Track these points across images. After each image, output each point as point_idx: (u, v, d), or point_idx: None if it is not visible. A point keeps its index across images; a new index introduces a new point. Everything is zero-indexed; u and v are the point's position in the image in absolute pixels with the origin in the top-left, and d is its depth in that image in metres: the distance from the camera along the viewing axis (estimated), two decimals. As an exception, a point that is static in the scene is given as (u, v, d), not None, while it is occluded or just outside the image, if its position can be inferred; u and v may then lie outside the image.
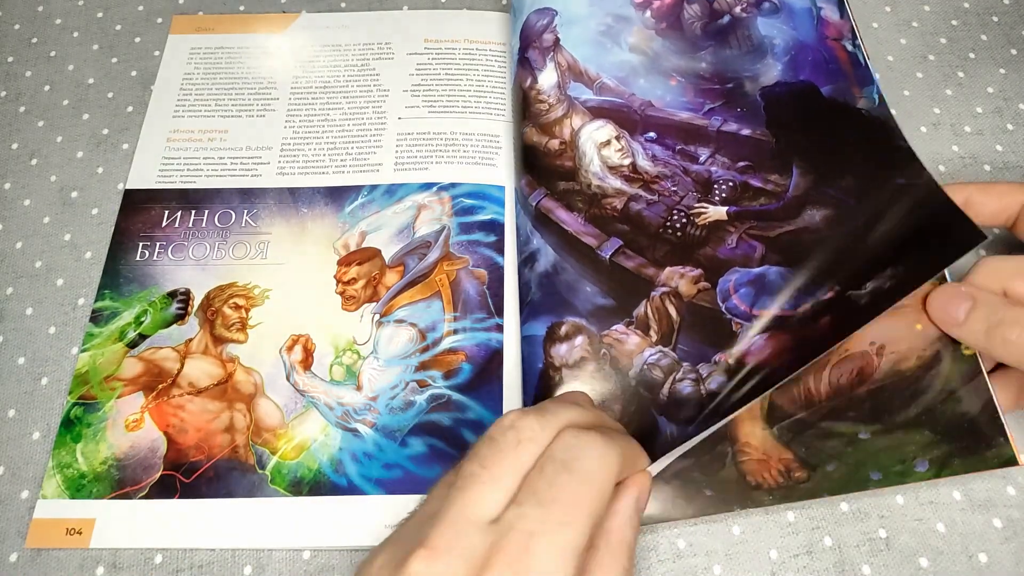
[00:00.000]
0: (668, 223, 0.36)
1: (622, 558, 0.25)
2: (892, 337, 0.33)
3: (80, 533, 0.32)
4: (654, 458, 0.29)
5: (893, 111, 0.39)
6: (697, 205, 0.36)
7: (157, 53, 0.45)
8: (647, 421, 0.32)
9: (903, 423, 0.32)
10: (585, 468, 0.25)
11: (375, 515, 0.33)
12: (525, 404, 0.34)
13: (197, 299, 0.37)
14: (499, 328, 0.36)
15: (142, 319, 0.37)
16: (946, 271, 0.34)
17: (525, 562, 0.22)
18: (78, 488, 0.33)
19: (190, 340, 0.36)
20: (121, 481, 0.33)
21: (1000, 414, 0.32)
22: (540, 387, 0.33)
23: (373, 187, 0.40)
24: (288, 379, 0.36)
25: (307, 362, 0.36)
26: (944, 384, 0.32)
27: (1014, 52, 0.44)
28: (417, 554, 0.23)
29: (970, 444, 0.31)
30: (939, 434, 0.32)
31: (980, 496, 0.33)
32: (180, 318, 0.37)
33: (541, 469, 0.25)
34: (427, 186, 0.40)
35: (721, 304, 0.34)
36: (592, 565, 0.24)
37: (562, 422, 0.26)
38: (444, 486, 0.26)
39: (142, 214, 0.40)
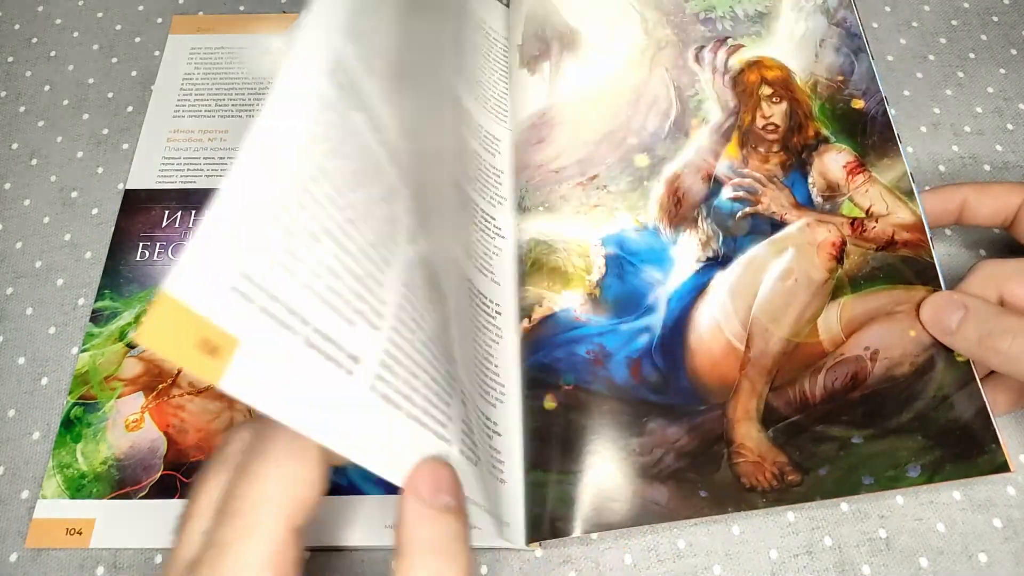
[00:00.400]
0: None
1: None
2: (886, 343, 0.33)
3: (80, 533, 0.32)
4: None
5: (893, 111, 0.39)
6: None
7: (157, 53, 0.45)
8: None
9: (896, 428, 0.32)
10: (262, 467, 0.21)
11: (375, 515, 0.33)
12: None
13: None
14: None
15: (142, 319, 0.37)
16: (940, 277, 0.34)
17: None
18: (78, 488, 0.33)
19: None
20: (121, 481, 0.33)
21: (992, 421, 0.32)
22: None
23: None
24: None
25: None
26: (937, 390, 0.32)
27: (1014, 52, 0.44)
28: None
29: (962, 450, 0.31)
30: (932, 440, 0.32)
31: (980, 496, 0.33)
32: (180, 318, 0.37)
33: (232, 482, 0.21)
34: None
35: None
36: None
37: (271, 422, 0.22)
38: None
39: (142, 214, 0.40)
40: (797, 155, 0.38)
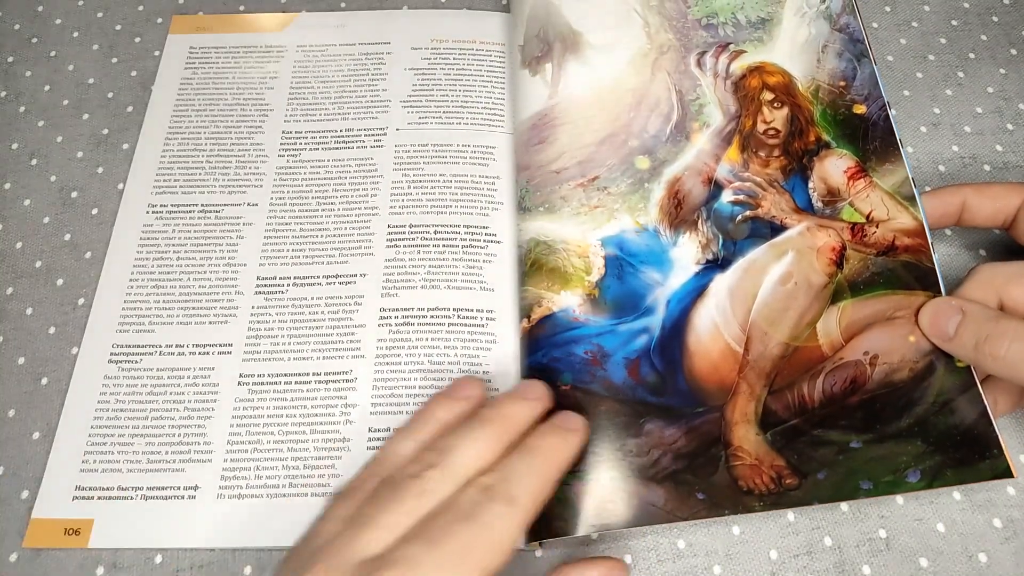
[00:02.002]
0: None
1: None
2: (885, 348, 0.33)
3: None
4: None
5: (893, 111, 0.39)
6: None
7: (157, 53, 0.45)
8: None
9: (895, 433, 0.32)
10: (486, 521, 0.24)
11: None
12: None
13: (197, 299, 0.38)
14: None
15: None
16: (941, 282, 0.34)
17: None
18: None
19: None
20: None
21: (994, 426, 0.31)
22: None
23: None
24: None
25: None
26: (937, 395, 0.32)
27: (1014, 52, 0.44)
28: None
29: (963, 455, 0.31)
30: (932, 444, 0.32)
31: (980, 496, 0.33)
32: (180, 318, 0.37)
33: (441, 515, 0.24)
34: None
35: None
36: None
37: (468, 468, 0.26)
38: (332, 521, 0.25)
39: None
40: (798, 160, 0.38)
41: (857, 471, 0.31)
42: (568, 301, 0.35)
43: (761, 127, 0.39)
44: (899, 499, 0.33)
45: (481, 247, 0.38)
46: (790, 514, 0.33)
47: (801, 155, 0.38)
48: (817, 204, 0.37)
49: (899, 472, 0.31)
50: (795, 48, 0.41)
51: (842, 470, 0.31)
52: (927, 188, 0.36)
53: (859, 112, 0.39)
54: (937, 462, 0.31)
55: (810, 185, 0.37)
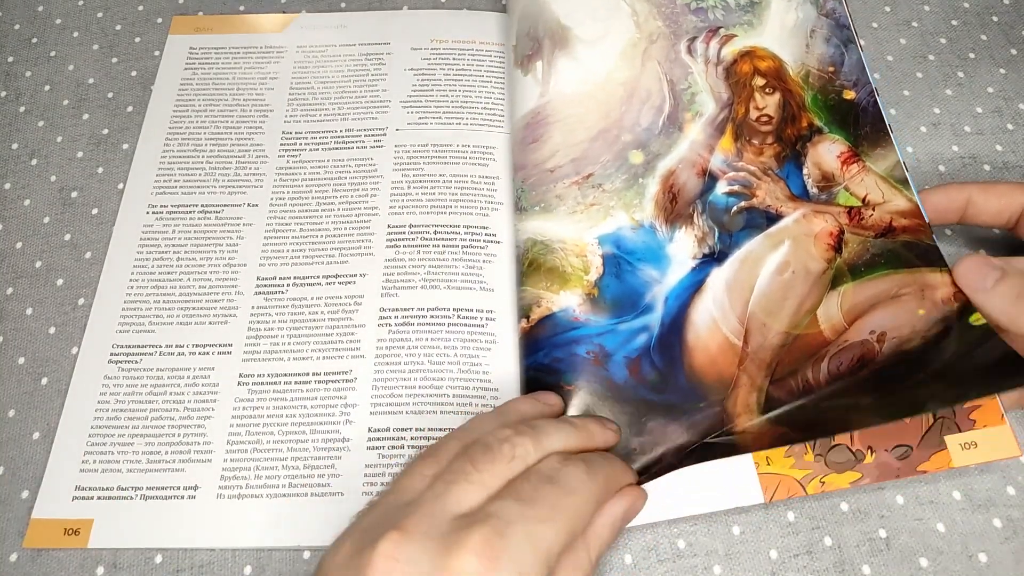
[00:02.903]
0: None
1: (592, 551, 0.26)
2: (893, 324, 0.33)
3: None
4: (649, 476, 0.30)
5: (893, 111, 0.39)
6: None
7: (157, 53, 0.45)
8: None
9: (913, 384, 0.31)
10: (569, 483, 0.26)
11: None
12: None
13: (197, 299, 0.38)
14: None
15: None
16: (945, 258, 0.34)
17: (498, 546, 0.23)
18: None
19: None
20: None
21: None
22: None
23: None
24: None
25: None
26: (956, 349, 0.31)
27: (1014, 52, 0.44)
28: (389, 535, 0.23)
29: (991, 379, 0.29)
30: (954, 383, 0.30)
31: (980, 496, 0.33)
32: (180, 318, 0.37)
33: (526, 478, 0.26)
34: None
35: None
36: (563, 559, 0.25)
37: (554, 446, 0.27)
38: (419, 477, 0.26)
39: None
40: (791, 146, 0.38)
41: (872, 415, 0.30)
42: (568, 301, 0.35)
43: (754, 114, 0.39)
44: (899, 499, 0.33)
45: (481, 247, 0.38)
46: (790, 514, 0.33)
47: (795, 141, 0.38)
48: (812, 190, 0.37)
49: (918, 406, 0.30)
50: (784, 32, 0.41)
51: (852, 418, 0.30)
52: (927, 188, 0.36)
53: (848, 98, 0.39)
54: (961, 392, 0.30)
55: (804, 171, 0.37)
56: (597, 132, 0.39)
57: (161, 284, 0.38)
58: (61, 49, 0.45)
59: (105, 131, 0.43)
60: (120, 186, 0.41)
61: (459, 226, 0.39)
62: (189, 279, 0.38)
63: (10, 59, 0.45)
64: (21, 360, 0.36)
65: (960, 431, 0.32)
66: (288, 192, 0.40)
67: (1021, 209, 0.34)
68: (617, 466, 0.29)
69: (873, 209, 0.36)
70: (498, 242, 0.38)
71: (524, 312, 0.35)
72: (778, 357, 0.33)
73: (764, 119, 0.38)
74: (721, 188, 0.37)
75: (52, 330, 0.37)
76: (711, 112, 0.39)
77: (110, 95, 0.44)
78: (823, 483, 0.32)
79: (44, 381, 0.36)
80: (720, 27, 0.41)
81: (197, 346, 0.36)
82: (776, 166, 0.37)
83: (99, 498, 0.33)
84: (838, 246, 0.35)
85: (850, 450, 0.32)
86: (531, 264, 0.36)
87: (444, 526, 0.24)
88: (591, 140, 0.39)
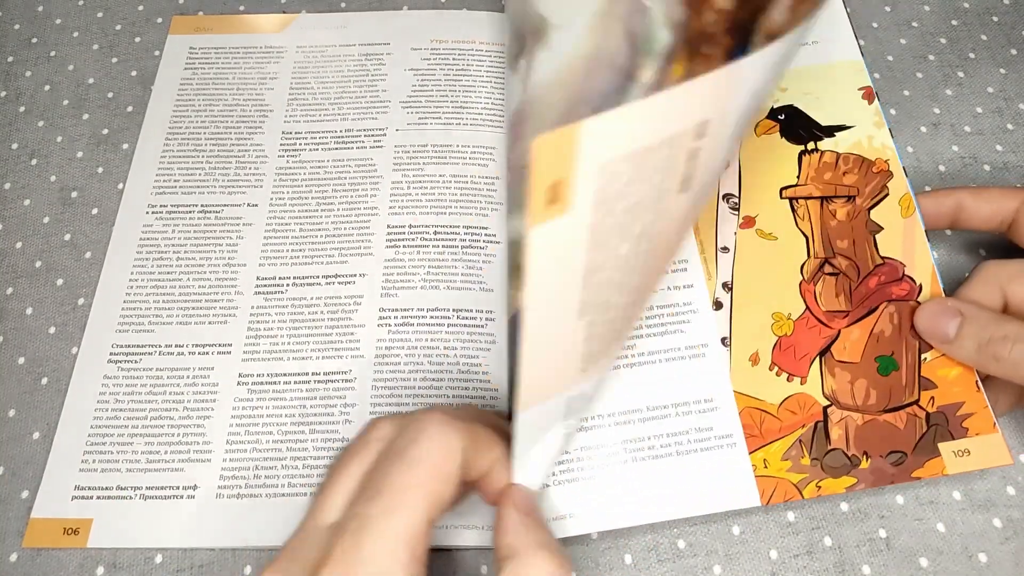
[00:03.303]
0: None
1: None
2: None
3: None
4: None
5: (893, 111, 0.39)
6: None
7: (157, 53, 0.45)
8: None
9: None
10: (414, 454, 0.24)
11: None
12: None
13: (197, 299, 0.38)
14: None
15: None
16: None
17: (355, 555, 0.22)
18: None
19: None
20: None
21: None
22: None
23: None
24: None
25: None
26: None
27: (1014, 52, 0.44)
28: (267, 568, 0.23)
29: None
30: None
31: (980, 496, 0.33)
32: (180, 318, 0.37)
33: (378, 464, 0.25)
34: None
35: None
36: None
37: (417, 419, 0.25)
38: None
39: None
40: (743, 32, 0.35)
41: None
42: None
43: (711, 17, 0.36)
44: (899, 499, 0.33)
45: (480, 248, 0.38)
46: (790, 514, 0.33)
47: (748, 23, 0.35)
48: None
49: None
50: None
51: None
52: (927, 188, 0.36)
53: None
54: None
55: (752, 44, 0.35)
56: (561, 116, 0.38)
57: (161, 284, 0.38)
58: (61, 49, 0.45)
59: (105, 131, 0.43)
60: (120, 186, 0.41)
61: (459, 226, 0.39)
62: (189, 279, 0.38)
63: (10, 59, 0.45)
64: (21, 360, 0.36)
65: (953, 439, 0.32)
66: (288, 192, 0.40)
67: (1012, 213, 0.34)
68: (486, 429, 0.26)
69: None
70: (498, 242, 0.38)
71: (511, 313, 0.35)
72: None
73: (720, 17, 0.35)
74: None
75: (52, 330, 0.37)
76: (665, 43, 0.37)
77: (110, 95, 0.44)
78: (819, 487, 0.32)
79: (44, 381, 0.36)
80: None
81: (197, 346, 0.36)
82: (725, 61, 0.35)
83: (99, 498, 0.33)
84: None
85: (845, 455, 0.32)
86: (515, 265, 0.36)
87: (309, 545, 0.24)
88: (556, 127, 0.38)
